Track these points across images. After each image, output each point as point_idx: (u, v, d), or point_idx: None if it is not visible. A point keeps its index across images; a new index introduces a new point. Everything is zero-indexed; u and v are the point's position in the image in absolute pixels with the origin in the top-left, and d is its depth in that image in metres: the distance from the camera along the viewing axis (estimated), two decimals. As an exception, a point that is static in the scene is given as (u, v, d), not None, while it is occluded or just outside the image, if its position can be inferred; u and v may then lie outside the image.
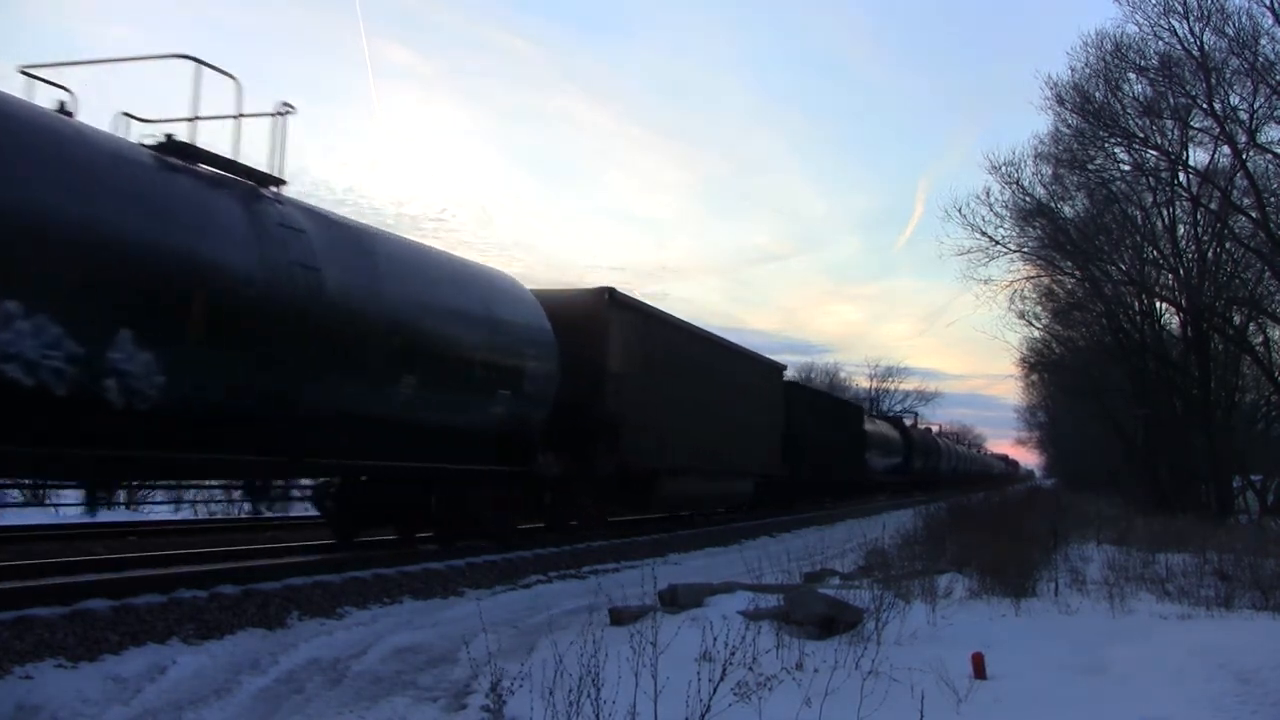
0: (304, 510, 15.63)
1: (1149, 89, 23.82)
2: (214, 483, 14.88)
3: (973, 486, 50.41)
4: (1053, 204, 28.45)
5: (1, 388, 6.66)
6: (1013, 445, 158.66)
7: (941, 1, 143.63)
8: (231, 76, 8.95)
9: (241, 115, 9.13)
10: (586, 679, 4.39)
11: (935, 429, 71.83)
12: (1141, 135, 24.47)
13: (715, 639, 5.51)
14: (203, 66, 8.70)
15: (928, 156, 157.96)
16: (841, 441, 33.76)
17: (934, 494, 43.29)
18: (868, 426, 39.89)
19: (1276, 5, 20.30)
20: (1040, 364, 40.58)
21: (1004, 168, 28.12)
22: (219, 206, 8.60)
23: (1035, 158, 28.36)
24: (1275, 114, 22.17)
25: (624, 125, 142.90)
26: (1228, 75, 21.91)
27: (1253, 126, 22.28)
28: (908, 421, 58.35)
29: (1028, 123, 66.93)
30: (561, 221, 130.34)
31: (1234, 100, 22.43)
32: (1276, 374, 26.90)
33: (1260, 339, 27.99)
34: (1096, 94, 24.51)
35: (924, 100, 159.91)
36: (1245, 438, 30.69)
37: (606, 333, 15.04)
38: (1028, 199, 28.36)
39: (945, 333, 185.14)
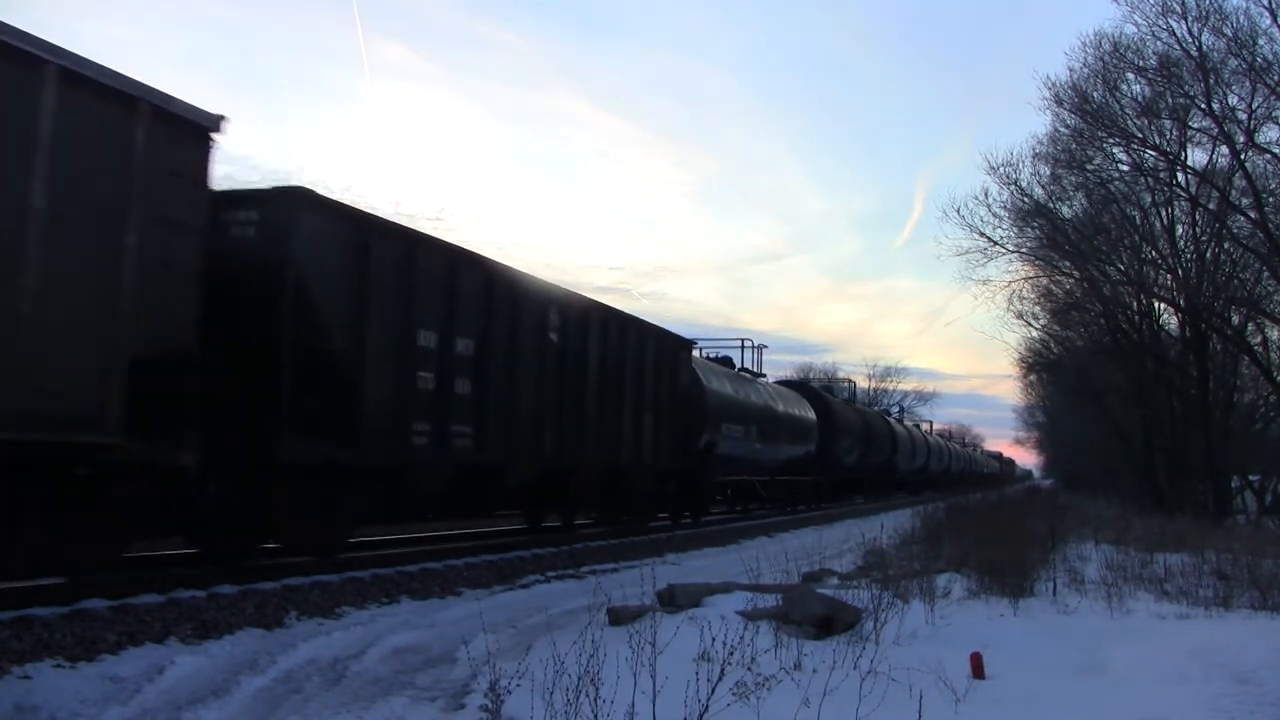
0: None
1: (1147, 89, 23.88)
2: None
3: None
4: (1051, 204, 28.46)
5: None
6: (1011, 445, 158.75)
7: (940, 1, 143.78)
8: None
9: None
10: (585, 678, 4.39)
11: (930, 428, 68.91)
12: (1140, 135, 24.48)
13: (714, 639, 5.49)
14: None
15: (926, 156, 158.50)
16: (615, 400, 16.09)
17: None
18: (711, 383, 20.82)
19: (1275, 5, 20.34)
20: (1039, 364, 40.58)
21: (1002, 168, 28.14)
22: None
23: (1033, 158, 28.44)
24: (1273, 114, 22.23)
25: (624, 125, 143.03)
26: (1226, 75, 21.95)
27: (1251, 127, 22.31)
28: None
29: (1026, 123, 67.20)
30: (560, 221, 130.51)
31: (1232, 100, 22.48)
32: (1275, 374, 26.90)
33: (1259, 339, 27.99)
34: (1095, 94, 24.55)
35: (922, 100, 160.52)
36: (1243, 437, 30.70)
37: None
38: (1026, 199, 28.38)
39: (944, 333, 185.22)
